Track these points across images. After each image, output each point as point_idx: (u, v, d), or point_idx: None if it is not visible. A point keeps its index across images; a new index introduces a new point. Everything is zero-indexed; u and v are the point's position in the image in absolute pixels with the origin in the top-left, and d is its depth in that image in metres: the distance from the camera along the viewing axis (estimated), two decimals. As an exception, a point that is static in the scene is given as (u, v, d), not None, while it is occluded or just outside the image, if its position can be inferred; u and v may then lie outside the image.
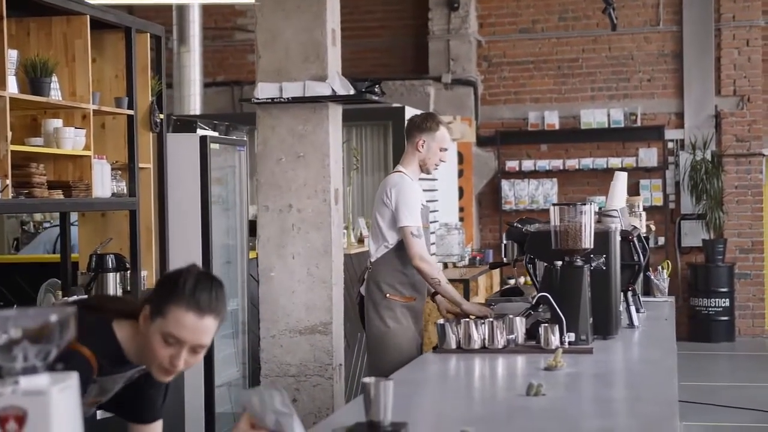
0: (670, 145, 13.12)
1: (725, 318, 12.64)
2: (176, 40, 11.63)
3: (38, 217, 9.39)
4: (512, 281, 10.89)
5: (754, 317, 13.01)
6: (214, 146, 6.70)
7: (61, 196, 5.27)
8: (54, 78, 5.24)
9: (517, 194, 13.31)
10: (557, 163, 13.19)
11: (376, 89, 5.91)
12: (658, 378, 3.94)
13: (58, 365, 1.90)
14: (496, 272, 11.21)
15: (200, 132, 6.88)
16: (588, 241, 4.57)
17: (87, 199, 5.45)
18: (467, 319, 4.54)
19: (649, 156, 13.03)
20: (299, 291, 5.78)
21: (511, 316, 4.55)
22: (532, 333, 4.53)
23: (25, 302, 6.23)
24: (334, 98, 5.71)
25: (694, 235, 12.96)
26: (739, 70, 12.98)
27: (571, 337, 4.46)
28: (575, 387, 3.82)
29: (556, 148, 13.35)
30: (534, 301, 4.66)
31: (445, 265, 10.45)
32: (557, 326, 4.41)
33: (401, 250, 5.24)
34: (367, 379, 2.82)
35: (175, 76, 11.60)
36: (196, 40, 11.60)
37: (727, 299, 12.63)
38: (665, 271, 6.83)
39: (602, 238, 4.75)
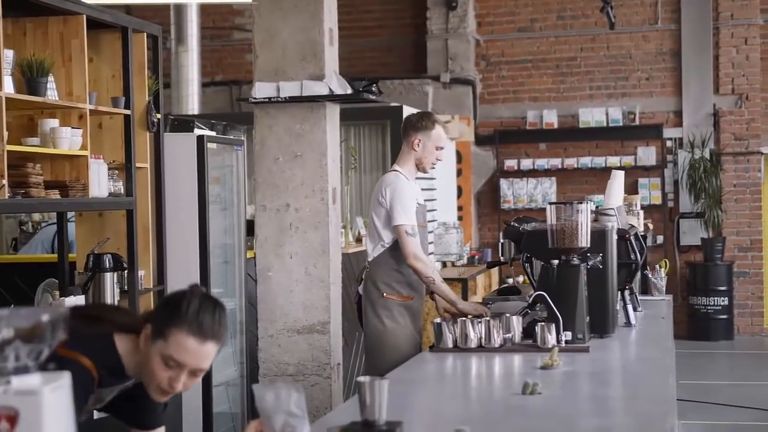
0: (669, 143, 13.12)
1: (724, 316, 12.64)
2: (174, 40, 11.63)
3: (37, 217, 9.39)
4: (510, 280, 10.89)
5: (753, 315, 13.01)
6: (211, 146, 6.69)
7: (58, 196, 5.27)
8: (50, 78, 5.23)
9: (516, 193, 13.31)
10: (556, 162, 13.20)
11: (373, 88, 5.90)
12: (655, 376, 3.94)
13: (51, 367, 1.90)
14: (495, 271, 11.21)
15: (197, 132, 6.87)
16: (584, 240, 4.57)
17: (84, 199, 5.44)
18: (464, 318, 4.55)
19: (647, 155, 13.04)
20: (297, 290, 5.78)
21: (507, 315, 4.55)
22: (528, 332, 4.53)
23: (24, 302, 6.23)
24: (332, 97, 5.71)
25: (692, 233, 12.96)
26: (737, 69, 12.98)
27: (567, 335, 4.46)
28: (571, 386, 3.82)
29: (555, 147, 13.35)
30: (531, 300, 4.66)
31: (444, 264, 10.45)
32: (554, 325, 4.42)
33: (397, 249, 5.24)
34: (361, 379, 2.82)
35: (173, 76, 11.59)
36: (194, 39, 11.60)
37: (726, 298, 12.63)
38: (663, 269, 6.83)
39: (599, 236, 4.75)
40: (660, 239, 12.91)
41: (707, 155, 12.75)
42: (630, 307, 5.27)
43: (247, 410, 7.13)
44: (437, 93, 13.07)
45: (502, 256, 5.44)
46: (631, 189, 12.60)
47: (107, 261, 5.72)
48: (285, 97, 5.69)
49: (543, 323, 4.43)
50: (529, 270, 5.08)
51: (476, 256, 11.12)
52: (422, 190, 7.56)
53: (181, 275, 6.45)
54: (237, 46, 13.88)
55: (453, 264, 10.57)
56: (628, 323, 5.21)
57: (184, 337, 2.72)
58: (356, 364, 7.78)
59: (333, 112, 5.89)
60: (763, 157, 13.04)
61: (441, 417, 3.36)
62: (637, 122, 13.10)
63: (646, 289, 6.79)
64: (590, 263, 4.65)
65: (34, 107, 5.33)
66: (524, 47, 13.46)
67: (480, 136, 13.40)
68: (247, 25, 13.29)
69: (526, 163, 13.28)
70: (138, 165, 6.04)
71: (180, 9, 11.60)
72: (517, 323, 4.53)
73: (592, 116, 13.13)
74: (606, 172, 11.92)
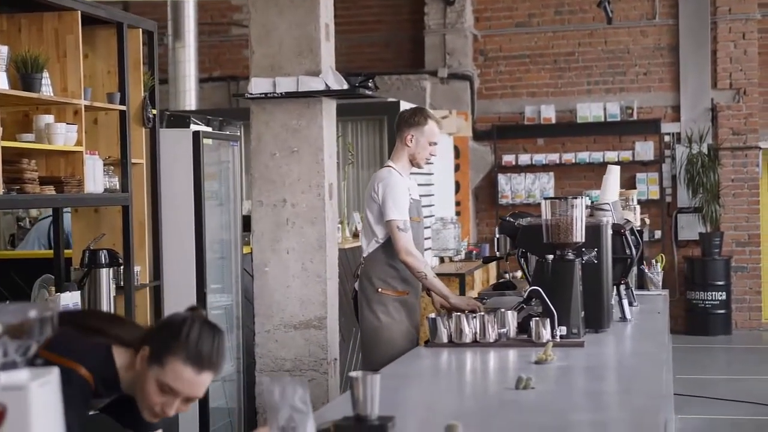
0: (667, 138, 13.11)
1: (722, 311, 12.64)
2: (171, 36, 11.62)
3: (34, 212, 9.38)
4: (509, 275, 10.89)
5: (751, 310, 13.02)
6: (207, 141, 6.69)
7: (53, 192, 5.27)
8: (45, 74, 5.23)
9: (514, 188, 13.31)
10: (554, 157, 13.19)
11: (369, 84, 5.90)
12: (649, 371, 3.94)
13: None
14: (493, 266, 11.22)
15: (193, 127, 6.86)
16: (579, 235, 4.57)
17: (79, 195, 5.44)
18: (459, 314, 4.55)
19: (645, 149, 13.03)
20: (294, 286, 5.78)
21: (502, 310, 4.56)
22: (524, 327, 4.53)
23: (21, 298, 6.23)
24: (328, 93, 5.71)
25: (690, 228, 12.96)
26: (735, 63, 12.97)
27: (562, 330, 4.47)
28: (565, 380, 3.82)
29: (553, 142, 13.35)
30: (526, 295, 4.66)
31: (442, 260, 10.45)
32: (548, 320, 4.42)
33: (392, 244, 5.24)
34: (353, 374, 2.82)
35: (170, 72, 11.59)
36: (191, 35, 11.58)
37: (724, 292, 12.63)
38: (659, 264, 6.83)
39: (594, 231, 4.75)
40: (658, 234, 12.91)
41: (705, 150, 12.75)
42: (625, 302, 5.27)
43: (244, 405, 7.13)
44: (435, 88, 13.06)
45: (497, 251, 5.45)
46: (629, 184, 12.60)
47: (103, 257, 5.72)
48: (281, 93, 5.69)
49: (538, 318, 4.43)
50: (524, 265, 5.08)
51: (474, 252, 11.12)
52: (420, 185, 7.56)
53: (177, 271, 6.46)
54: (235, 42, 13.87)
55: (451, 259, 10.58)
56: (623, 318, 5.21)
57: (182, 367, 2.71)
58: (353, 359, 7.79)
59: (329, 107, 5.89)
60: (761, 152, 13.04)
61: (434, 412, 3.37)
62: (635, 117, 13.09)
63: (642, 283, 6.79)
64: (585, 258, 4.65)
65: (29, 103, 5.34)
66: (522, 42, 13.45)
67: (478, 131, 13.40)
68: (245, 21, 13.28)
69: (524, 159, 13.27)
70: (134, 161, 6.04)
71: (177, 5, 11.59)
72: (512, 318, 4.54)
73: (589, 111, 13.13)
74: (604, 167, 11.85)
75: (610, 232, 4.92)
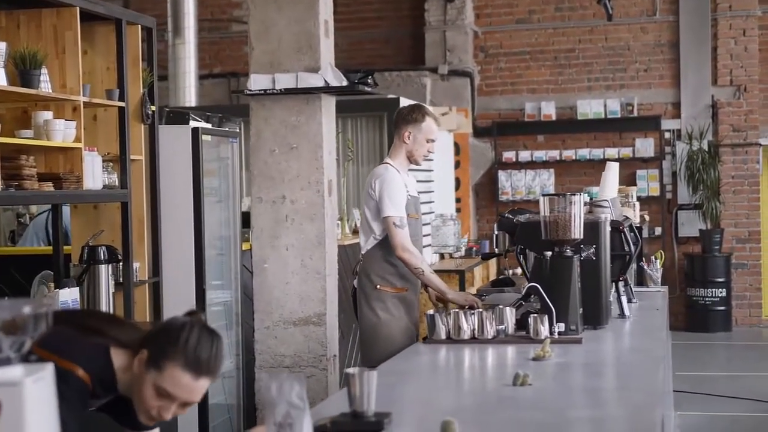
0: (667, 135, 13.11)
1: (722, 308, 12.64)
2: (171, 32, 11.61)
3: (34, 209, 9.38)
4: (509, 272, 10.90)
5: (751, 307, 13.01)
6: (206, 138, 6.69)
7: (52, 188, 5.27)
8: (44, 70, 5.23)
9: (514, 185, 13.30)
10: (554, 154, 13.19)
11: (368, 80, 5.90)
12: (646, 367, 3.94)
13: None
14: (493, 263, 11.22)
15: (193, 124, 6.86)
16: (577, 232, 4.57)
17: (78, 191, 5.44)
18: (457, 310, 4.55)
19: (645, 146, 13.02)
20: (293, 282, 5.78)
21: (501, 306, 4.56)
22: (522, 323, 4.53)
23: (20, 294, 6.23)
24: (327, 89, 5.71)
25: (690, 225, 12.95)
26: (735, 60, 12.96)
27: (560, 327, 4.47)
28: (562, 377, 3.82)
29: (553, 138, 13.34)
30: (524, 291, 4.66)
31: (442, 256, 10.45)
32: (547, 317, 4.42)
33: (389, 241, 5.24)
34: (350, 370, 2.83)
35: (170, 68, 11.58)
36: (191, 31, 11.57)
37: (724, 289, 12.63)
38: (658, 261, 6.83)
39: (592, 228, 4.75)
40: (658, 231, 12.91)
41: (705, 147, 12.74)
42: (624, 299, 5.27)
43: (243, 402, 7.14)
44: (435, 85, 13.06)
45: (496, 247, 5.45)
46: (630, 180, 12.60)
47: (102, 253, 5.72)
48: (280, 89, 5.69)
49: (536, 315, 4.43)
50: (523, 261, 5.08)
51: (474, 248, 11.12)
52: (420, 182, 7.54)
53: (177, 267, 6.46)
54: (235, 38, 13.87)
55: (451, 256, 10.57)
56: (622, 315, 5.21)
57: (180, 372, 2.72)
58: (353, 355, 7.79)
59: (329, 103, 5.89)
60: (761, 149, 13.03)
61: (431, 408, 3.37)
62: (636, 114, 13.09)
63: (641, 280, 6.79)
64: (583, 255, 4.65)
65: (28, 99, 5.33)
66: (522, 39, 13.44)
67: (478, 127, 13.39)
68: (245, 17, 13.26)
69: (525, 155, 13.27)
70: (133, 157, 6.04)
71: (177, 1, 11.58)
72: (510, 315, 4.53)
73: (590, 108, 13.12)
74: (604, 163, 11.83)
75: (608, 228, 4.92)
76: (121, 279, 5.90)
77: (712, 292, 12.60)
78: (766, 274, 13.15)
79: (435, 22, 13.34)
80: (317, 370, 5.78)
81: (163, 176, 6.37)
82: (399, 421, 2.95)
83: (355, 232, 8.48)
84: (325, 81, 5.65)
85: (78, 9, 5.49)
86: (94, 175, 5.60)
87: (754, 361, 11.05)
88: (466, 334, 4.45)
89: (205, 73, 13.27)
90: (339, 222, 7.83)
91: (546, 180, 13.22)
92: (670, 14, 13.08)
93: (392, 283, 5.31)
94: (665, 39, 13.12)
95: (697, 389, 8.98)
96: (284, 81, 5.69)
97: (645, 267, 6.78)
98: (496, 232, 5.38)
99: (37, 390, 1.84)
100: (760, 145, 12.99)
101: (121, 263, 5.87)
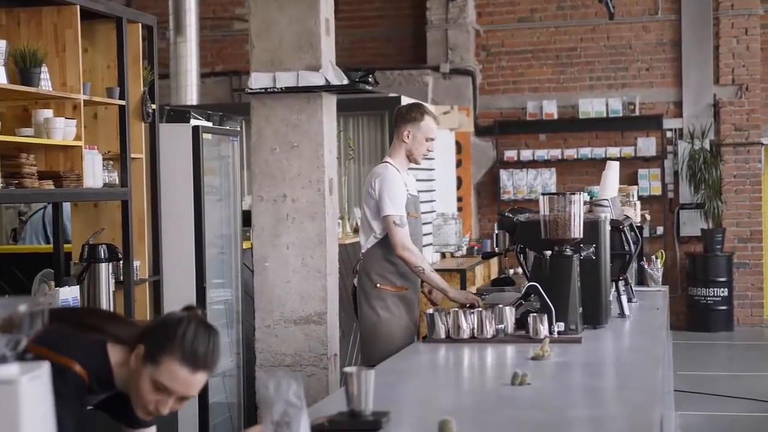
0: (669, 134, 13.10)
1: (724, 307, 12.63)
2: (173, 30, 11.61)
3: (36, 207, 9.38)
4: (511, 271, 10.89)
5: (753, 307, 13.01)
6: (206, 136, 6.68)
7: (52, 187, 5.27)
8: (44, 68, 5.22)
9: (516, 184, 13.30)
10: (556, 153, 13.18)
11: (369, 79, 5.90)
12: (645, 367, 3.94)
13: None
14: (494, 262, 11.21)
15: (193, 122, 6.86)
16: (577, 231, 4.56)
17: (78, 190, 5.44)
18: (456, 309, 4.55)
19: (647, 145, 13.02)
20: (294, 281, 5.78)
21: (500, 305, 4.55)
22: (522, 323, 4.53)
23: (21, 292, 6.23)
24: (328, 88, 5.70)
25: (692, 224, 12.95)
26: (737, 59, 12.95)
27: (560, 326, 4.46)
28: (561, 376, 3.82)
29: (555, 137, 13.34)
30: (523, 291, 4.66)
31: (443, 255, 10.45)
32: (546, 316, 4.41)
33: (389, 240, 5.24)
34: (348, 369, 2.83)
35: (172, 66, 11.58)
36: (192, 30, 11.57)
37: (726, 289, 12.62)
38: (659, 260, 6.82)
39: (592, 227, 4.75)
40: (660, 230, 12.90)
41: (707, 146, 12.73)
42: (624, 298, 5.26)
43: (244, 401, 7.14)
44: (437, 83, 13.05)
45: (496, 247, 5.45)
46: (631, 180, 12.60)
47: (102, 251, 5.71)
48: (281, 88, 5.69)
49: (535, 314, 4.43)
50: (523, 261, 5.08)
51: (475, 247, 11.12)
52: (422, 180, 7.53)
53: (177, 266, 6.46)
54: (237, 37, 13.86)
55: (452, 255, 10.57)
56: (622, 314, 5.21)
57: (177, 366, 2.72)
58: (353, 354, 7.79)
59: (330, 102, 5.89)
60: (763, 148, 13.02)
61: (429, 407, 3.36)
62: (637, 113, 13.08)
63: (642, 280, 6.78)
64: (583, 254, 4.64)
65: (28, 98, 5.33)
66: (524, 37, 13.44)
67: (480, 126, 13.39)
68: (247, 16, 13.26)
69: (526, 154, 13.27)
70: (133, 155, 6.03)
71: (178, -1, 11.58)
72: (510, 314, 4.53)
73: (592, 107, 13.11)
74: (605, 163, 11.88)
75: (608, 228, 4.92)
76: (121, 277, 5.89)
77: (713, 291, 12.59)
78: (767, 273, 13.14)
79: (437, 20, 13.34)
80: (318, 369, 5.78)
81: (163, 175, 6.37)
82: (397, 420, 2.95)
83: (355, 230, 8.48)
84: (326, 79, 5.65)
85: (78, 7, 5.49)
86: (95, 173, 5.60)
87: (755, 361, 11.04)
88: (466, 334, 4.45)
89: (207, 71, 13.27)
90: (340, 221, 7.84)
91: (548, 179, 13.22)
92: (672, 13, 13.07)
93: (392, 282, 5.31)
94: (667, 38, 13.11)
95: (699, 389, 8.98)
96: (285, 79, 5.69)
97: (646, 266, 6.77)
98: (496, 232, 5.37)
99: (33, 388, 1.84)
100: (762, 144, 12.98)
101: (121, 262, 5.87)
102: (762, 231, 13.02)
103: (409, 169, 5.49)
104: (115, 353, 2.83)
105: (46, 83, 5.25)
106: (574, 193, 4.60)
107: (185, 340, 2.72)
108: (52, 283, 5.80)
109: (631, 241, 5.28)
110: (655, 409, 3.14)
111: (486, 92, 13.49)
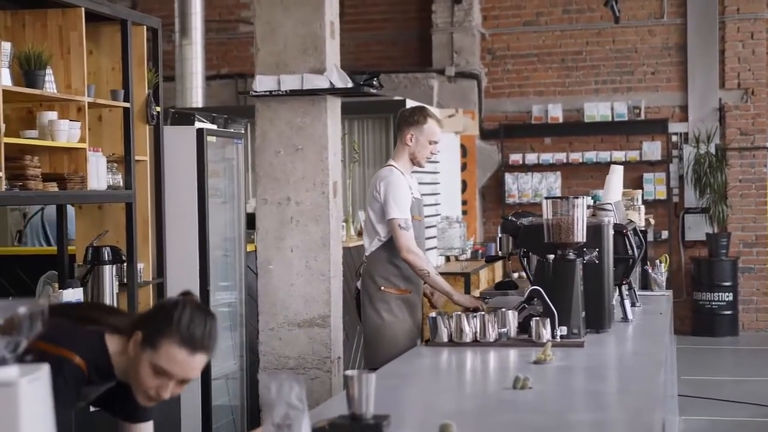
0: (674, 138, 13.08)
1: (729, 312, 12.60)
2: (178, 33, 11.62)
3: (34, 209, 9.39)
4: (515, 275, 10.88)
5: (758, 311, 12.98)
6: (211, 139, 6.69)
7: (56, 189, 5.27)
8: (48, 70, 5.23)
9: (521, 188, 13.29)
10: (561, 157, 13.17)
11: (374, 82, 5.89)
12: (647, 371, 3.93)
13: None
14: (499, 266, 11.20)
15: (198, 125, 6.87)
16: (580, 235, 4.56)
17: (82, 192, 5.45)
18: (459, 312, 4.54)
19: (652, 149, 13.00)
20: (298, 284, 5.78)
21: (503, 309, 4.55)
22: (524, 327, 4.52)
23: (25, 294, 6.25)
24: (333, 91, 5.70)
25: (697, 228, 12.92)
26: (743, 63, 12.93)
27: (563, 330, 4.46)
28: (562, 380, 3.82)
29: (560, 141, 13.33)
30: (526, 294, 4.66)
31: (447, 259, 10.45)
32: (549, 320, 4.41)
33: (393, 243, 5.24)
34: (349, 372, 2.82)
35: (177, 69, 11.59)
36: (198, 32, 11.57)
37: (731, 293, 12.59)
38: (663, 264, 6.81)
39: (595, 231, 4.74)
40: (665, 234, 12.88)
41: (713, 150, 12.71)
42: (627, 303, 5.25)
43: (247, 403, 7.14)
44: (442, 87, 13.05)
45: (500, 250, 5.44)
46: (636, 184, 12.58)
47: (106, 253, 5.72)
48: (286, 91, 5.69)
49: (538, 318, 4.43)
50: (526, 264, 5.07)
51: (480, 251, 11.11)
52: (427, 184, 7.53)
53: (181, 268, 6.46)
54: (242, 39, 13.87)
55: (456, 258, 10.57)
56: (625, 318, 5.20)
57: (175, 349, 2.74)
58: (357, 357, 7.78)
59: (334, 105, 5.89)
60: (769, 152, 13.00)
61: (430, 411, 3.36)
62: (643, 117, 13.07)
63: (646, 284, 6.77)
64: (586, 258, 4.64)
65: (33, 100, 5.34)
66: (530, 41, 13.43)
67: (485, 130, 13.38)
68: (252, 19, 13.29)
69: (531, 158, 13.26)
70: (137, 158, 6.04)
71: (184, 2, 11.58)
72: (512, 318, 4.53)
73: (597, 111, 13.10)
74: (611, 167, 11.88)
75: (611, 232, 4.91)
76: (125, 279, 5.90)
77: (718, 296, 12.56)
78: (773, 278, 13.12)
79: (442, 23, 13.34)
80: (321, 372, 5.78)
81: (167, 177, 6.37)
82: (398, 423, 2.95)
83: (360, 233, 8.47)
84: (331, 82, 5.64)
85: (83, 9, 5.50)
86: (99, 175, 5.61)
87: (760, 366, 11.00)
88: (468, 337, 4.44)
89: (213, 73, 13.28)
90: (344, 224, 7.84)
91: (553, 183, 13.21)
92: (678, 17, 13.06)
93: (396, 285, 5.32)
94: (673, 42, 13.10)
95: (703, 394, 8.96)
96: (290, 82, 5.69)
97: (650, 270, 6.76)
98: (499, 235, 5.37)
99: (33, 390, 1.84)
100: (768, 148, 12.97)
101: (125, 264, 5.88)
102: (767, 235, 12.99)
103: (414, 172, 5.49)
104: (113, 343, 2.85)
105: (50, 85, 5.26)
106: (577, 197, 4.60)
107: (182, 323, 2.75)
108: (56, 284, 5.81)
109: (634, 245, 5.28)
110: (656, 413, 3.14)
111: (491, 96, 13.49)
